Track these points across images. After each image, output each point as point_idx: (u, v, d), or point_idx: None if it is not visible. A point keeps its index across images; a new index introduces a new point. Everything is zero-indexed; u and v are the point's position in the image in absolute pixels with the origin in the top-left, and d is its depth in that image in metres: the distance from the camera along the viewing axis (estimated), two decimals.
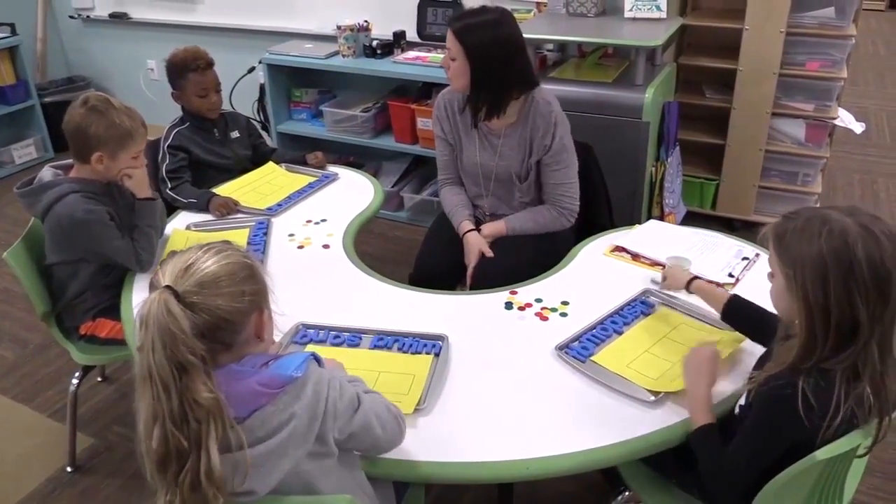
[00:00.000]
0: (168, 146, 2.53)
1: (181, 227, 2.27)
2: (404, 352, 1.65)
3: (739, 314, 1.62)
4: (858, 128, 3.33)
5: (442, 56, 3.37)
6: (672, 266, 1.85)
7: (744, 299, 1.64)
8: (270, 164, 2.67)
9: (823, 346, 1.22)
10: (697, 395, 1.45)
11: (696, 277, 1.76)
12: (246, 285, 1.14)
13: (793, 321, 1.29)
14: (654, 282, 1.87)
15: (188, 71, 2.52)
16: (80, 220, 1.94)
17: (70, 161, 2.05)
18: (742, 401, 1.40)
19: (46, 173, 2.01)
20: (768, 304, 1.37)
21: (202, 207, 2.40)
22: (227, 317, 1.11)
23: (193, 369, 1.05)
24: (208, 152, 2.59)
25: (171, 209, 2.41)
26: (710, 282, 1.86)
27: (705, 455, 1.37)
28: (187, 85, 2.54)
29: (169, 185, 2.47)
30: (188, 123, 2.58)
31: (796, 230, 1.23)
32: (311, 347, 1.66)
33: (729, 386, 1.51)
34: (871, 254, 1.17)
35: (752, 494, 1.31)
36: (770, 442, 1.28)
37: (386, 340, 1.69)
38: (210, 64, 2.57)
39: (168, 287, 1.07)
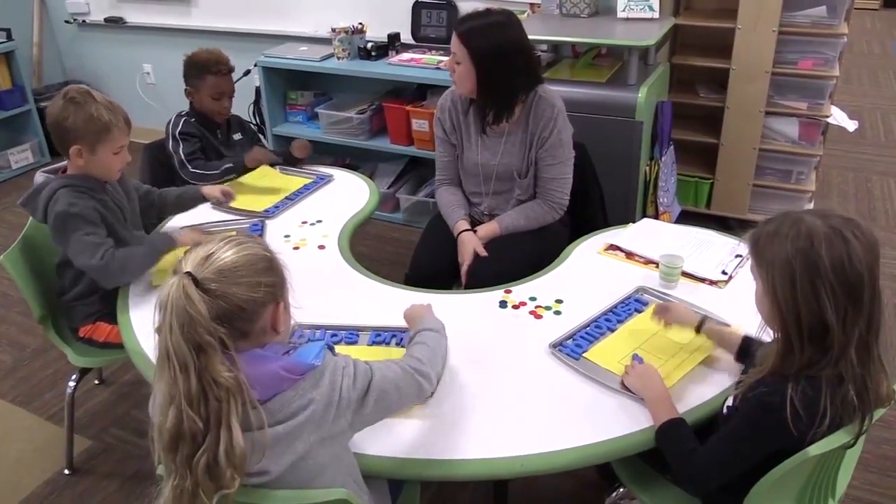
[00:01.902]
0: (179, 132, 2.55)
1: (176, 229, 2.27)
2: (403, 346, 1.67)
3: (752, 353, 1.56)
4: (851, 126, 3.34)
5: (437, 58, 3.43)
6: (677, 304, 1.70)
7: (755, 338, 1.53)
8: (265, 166, 2.68)
9: (801, 350, 1.22)
10: (654, 394, 1.45)
11: (705, 318, 1.62)
12: (263, 277, 1.17)
13: (773, 326, 1.30)
14: (656, 313, 1.68)
15: (208, 73, 2.55)
16: (61, 213, 1.91)
17: (62, 164, 2.04)
18: (730, 401, 1.40)
19: (38, 178, 2.01)
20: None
21: (240, 168, 2.55)
22: (244, 305, 1.14)
23: (211, 349, 1.08)
24: (211, 150, 2.61)
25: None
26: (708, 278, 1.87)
27: (673, 450, 1.37)
28: (203, 86, 2.57)
29: (190, 167, 2.52)
30: (195, 119, 2.60)
31: (769, 234, 1.24)
32: None
33: (716, 387, 1.52)
34: (837, 256, 1.17)
35: (741, 491, 1.32)
36: (750, 447, 1.28)
37: (383, 336, 1.71)
38: (230, 70, 2.61)
39: (188, 273, 1.11)
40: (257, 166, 2.59)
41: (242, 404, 1.10)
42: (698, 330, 1.60)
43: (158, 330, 1.10)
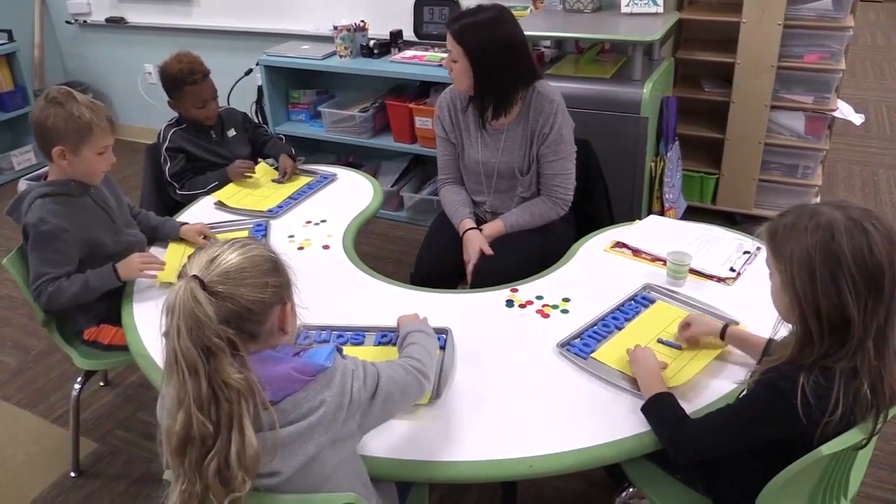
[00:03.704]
0: (167, 149, 2.53)
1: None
2: None
3: None
4: (858, 119, 3.31)
5: (440, 55, 3.41)
6: (695, 316, 1.66)
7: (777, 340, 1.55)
8: (263, 165, 2.66)
9: (821, 342, 1.21)
10: (643, 371, 1.47)
11: (727, 325, 1.60)
12: (269, 277, 1.17)
13: (791, 319, 1.29)
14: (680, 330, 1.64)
15: (185, 84, 2.51)
16: (30, 225, 1.90)
17: (45, 170, 2.03)
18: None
19: (21, 185, 1.99)
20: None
21: (224, 182, 2.52)
22: (251, 306, 1.14)
23: (221, 352, 1.08)
24: (207, 152, 2.59)
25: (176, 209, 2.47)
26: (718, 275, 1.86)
27: (660, 417, 1.38)
28: (185, 97, 2.53)
29: (177, 187, 2.52)
30: (185, 125, 2.58)
31: (787, 226, 1.23)
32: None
33: (730, 383, 1.50)
34: (858, 247, 1.16)
35: (752, 492, 1.31)
36: (752, 427, 1.27)
37: (390, 336, 1.70)
38: (206, 74, 2.55)
39: (195, 276, 1.10)
40: (241, 178, 2.54)
41: (254, 405, 1.10)
42: (722, 337, 1.58)
43: (166, 334, 1.09)
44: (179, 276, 1.14)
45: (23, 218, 1.94)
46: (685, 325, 1.62)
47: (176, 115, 2.61)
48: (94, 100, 1.95)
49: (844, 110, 3.22)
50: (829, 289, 1.18)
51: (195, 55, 2.58)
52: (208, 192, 2.51)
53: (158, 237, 2.22)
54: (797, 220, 1.22)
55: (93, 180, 2.00)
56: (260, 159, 2.71)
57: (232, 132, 2.70)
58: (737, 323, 1.66)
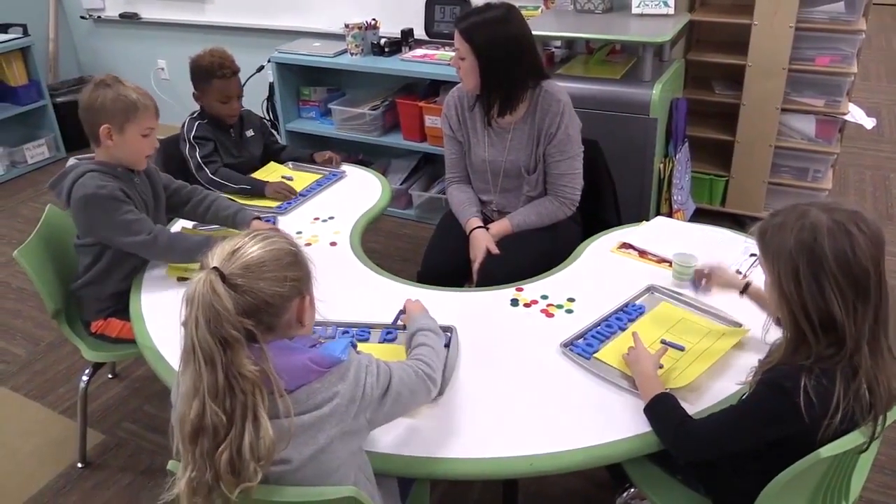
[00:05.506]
0: (194, 137, 2.55)
1: (188, 226, 2.28)
2: None
3: None
4: (869, 123, 3.29)
5: (450, 54, 3.42)
6: (718, 266, 1.75)
7: None
8: (272, 163, 2.68)
9: (815, 341, 1.22)
10: (640, 373, 1.48)
11: (749, 283, 1.68)
12: (289, 271, 1.18)
13: (781, 315, 1.29)
14: (694, 283, 1.80)
15: (213, 77, 2.53)
16: (91, 196, 1.92)
17: (92, 154, 2.04)
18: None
19: (70, 161, 2.02)
20: None
21: (257, 193, 2.48)
22: (269, 300, 1.15)
23: (237, 343, 1.10)
24: (225, 150, 2.61)
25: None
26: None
27: (663, 417, 1.39)
28: (211, 90, 2.55)
29: (209, 171, 2.51)
30: (207, 119, 2.60)
31: (776, 226, 1.25)
32: None
33: (734, 384, 1.50)
34: (840, 250, 1.17)
35: (752, 493, 1.31)
36: (755, 426, 1.28)
37: (394, 333, 1.71)
38: (235, 71, 2.59)
39: (215, 268, 1.12)
40: (274, 198, 2.48)
41: (270, 393, 1.12)
42: (743, 293, 1.67)
43: (185, 324, 1.11)
44: (200, 267, 1.16)
45: (66, 190, 1.95)
46: (704, 276, 1.74)
47: (198, 110, 2.63)
48: (141, 88, 2.00)
49: (856, 114, 3.20)
50: (813, 289, 1.19)
51: (228, 53, 2.61)
52: (238, 192, 2.47)
53: (227, 226, 2.20)
54: (785, 220, 1.24)
55: (138, 165, 2.03)
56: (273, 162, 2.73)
57: (250, 132, 2.73)
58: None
